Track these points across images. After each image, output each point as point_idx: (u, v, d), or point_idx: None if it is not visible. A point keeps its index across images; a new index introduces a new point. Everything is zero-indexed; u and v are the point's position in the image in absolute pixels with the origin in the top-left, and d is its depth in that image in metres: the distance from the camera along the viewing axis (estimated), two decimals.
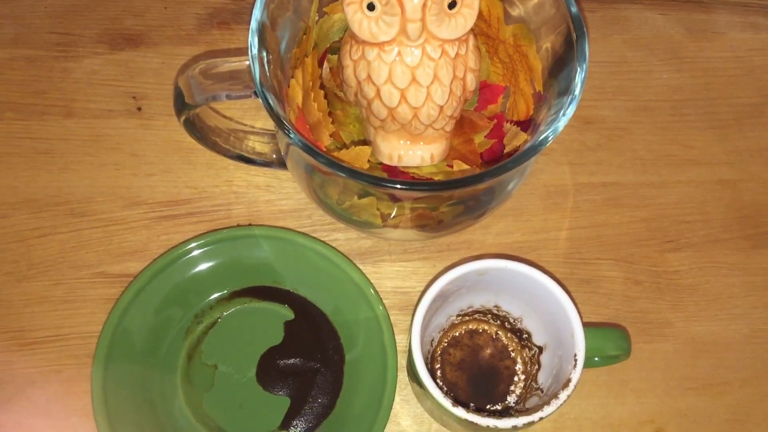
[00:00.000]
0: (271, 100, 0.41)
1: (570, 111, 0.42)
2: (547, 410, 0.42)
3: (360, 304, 0.51)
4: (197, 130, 0.49)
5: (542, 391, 0.47)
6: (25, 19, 0.61)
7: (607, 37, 0.64)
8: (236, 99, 0.44)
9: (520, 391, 0.50)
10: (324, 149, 0.47)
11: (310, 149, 0.41)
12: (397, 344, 0.50)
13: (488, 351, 0.51)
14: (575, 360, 0.43)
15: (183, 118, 0.47)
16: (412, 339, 0.44)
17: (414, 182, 0.42)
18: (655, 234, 0.57)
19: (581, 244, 0.56)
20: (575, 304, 0.44)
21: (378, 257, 0.55)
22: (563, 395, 0.43)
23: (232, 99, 0.45)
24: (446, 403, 0.42)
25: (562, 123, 0.42)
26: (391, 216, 0.48)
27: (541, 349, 0.49)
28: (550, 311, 0.46)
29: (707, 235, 0.57)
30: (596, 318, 0.54)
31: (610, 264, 0.56)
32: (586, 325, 0.44)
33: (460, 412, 0.42)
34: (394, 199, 0.46)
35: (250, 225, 0.55)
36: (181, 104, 0.46)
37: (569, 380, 0.43)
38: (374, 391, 0.48)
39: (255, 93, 0.42)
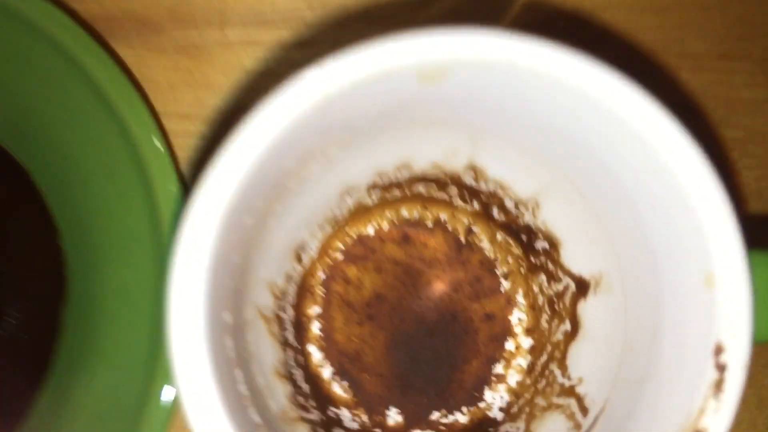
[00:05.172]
0: None
1: None
2: None
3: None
4: None
5: (581, 401, 0.18)
6: None
7: None
8: None
9: (518, 378, 0.20)
10: None
11: None
12: None
13: (447, 276, 0.21)
14: (716, 346, 0.13)
15: None
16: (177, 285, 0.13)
17: None
18: None
19: None
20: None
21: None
22: None
23: None
24: None
25: None
26: None
27: (584, 286, 0.19)
28: (624, 189, 0.15)
29: None
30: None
31: None
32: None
33: None
34: None
35: None
36: None
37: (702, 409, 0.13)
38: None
39: None
